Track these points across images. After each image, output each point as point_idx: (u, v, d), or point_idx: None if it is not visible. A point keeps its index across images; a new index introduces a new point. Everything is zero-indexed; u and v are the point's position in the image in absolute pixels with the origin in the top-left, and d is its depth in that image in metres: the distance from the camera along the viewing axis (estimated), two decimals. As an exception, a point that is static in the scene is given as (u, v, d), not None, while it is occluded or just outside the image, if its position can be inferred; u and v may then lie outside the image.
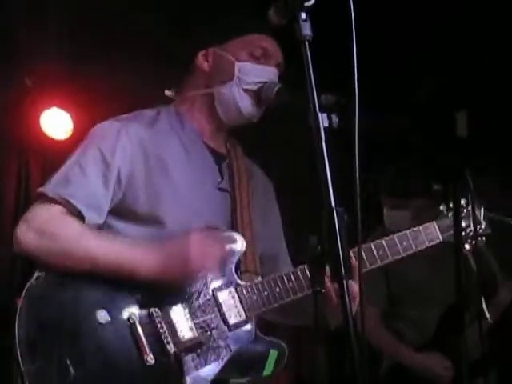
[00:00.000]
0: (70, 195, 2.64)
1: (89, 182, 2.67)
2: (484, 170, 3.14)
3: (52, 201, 2.64)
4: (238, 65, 2.84)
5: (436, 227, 2.95)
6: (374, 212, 4.48)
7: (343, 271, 1.91)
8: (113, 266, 2.57)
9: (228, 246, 2.71)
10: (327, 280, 2.23)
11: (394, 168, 4.56)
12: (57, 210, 2.64)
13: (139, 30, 4.86)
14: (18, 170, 5.26)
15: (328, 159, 1.97)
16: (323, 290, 2.09)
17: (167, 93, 2.99)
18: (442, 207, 3.03)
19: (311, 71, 2.03)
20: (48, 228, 2.62)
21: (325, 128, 2.01)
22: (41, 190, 2.67)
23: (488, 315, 4.14)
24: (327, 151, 1.98)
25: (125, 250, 2.61)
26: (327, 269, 1.99)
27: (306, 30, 2.06)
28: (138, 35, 4.87)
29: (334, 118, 2.10)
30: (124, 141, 2.73)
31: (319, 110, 2.03)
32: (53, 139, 5.31)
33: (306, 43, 2.06)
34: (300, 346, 3.10)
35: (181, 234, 2.62)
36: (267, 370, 2.71)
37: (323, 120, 2.02)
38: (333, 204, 1.95)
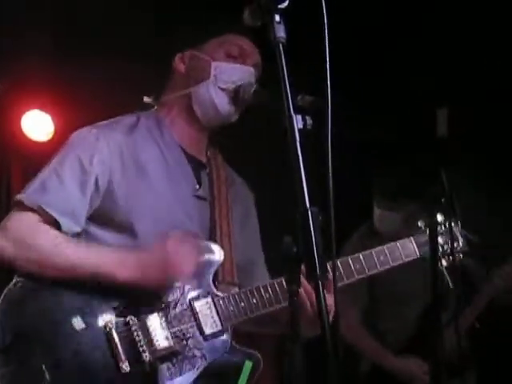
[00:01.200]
0: (47, 203, 2.64)
1: (66, 189, 2.68)
2: (459, 169, 3.15)
3: (29, 209, 2.65)
4: (214, 64, 2.85)
5: (413, 243, 2.98)
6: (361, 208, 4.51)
7: (318, 271, 1.92)
8: (90, 272, 2.58)
9: (206, 256, 2.72)
10: (301, 290, 2.26)
11: (390, 170, 4.58)
12: (33, 218, 2.65)
13: (120, 33, 4.85)
14: (-2, 172, 5.24)
15: (302, 160, 1.98)
16: (300, 289, 2.08)
17: (146, 99, 2.99)
18: (419, 223, 3.04)
19: (285, 73, 2.04)
20: (25, 237, 2.63)
21: (299, 129, 2.02)
22: (18, 197, 2.68)
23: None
24: (302, 152, 1.98)
25: (102, 256, 2.62)
26: (302, 268, 1.99)
27: (280, 32, 2.07)
28: (119, 38, 4.86)
29: (309, 120, 2.11)
30: (102, 148, 2.73)
31: (294, 111, 2.03)
32: (34, 141, 5.29)
33: (280, 45, 2.06)
34: (283, 346, 3.09)
35: (159, 240, 2.62)
36: (241, 381, 2.71)
37: (297, 121, 2.03)
38: (307, 204, 1.96)
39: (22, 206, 2.66)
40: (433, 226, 2.98)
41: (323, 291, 1.92)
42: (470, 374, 4.52)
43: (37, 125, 5.29)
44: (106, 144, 2.74)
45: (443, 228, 3.07)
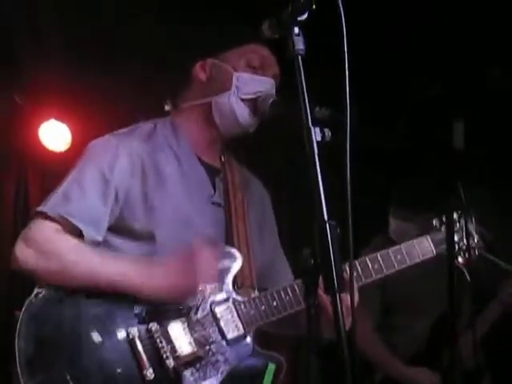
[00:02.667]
0: (69, 214, 2.65)
1: (88, 199, 2.68)
2: (476, 182, 3.15)
3: (51, 219, 2.65)
4: (236, 75, 2.85)
5: (429, 241, 2.98)
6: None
7: (336, 285, 1.92)
8: (113, 282, 2.58)
9: (225, 262, 2.72)
10: (321, 292, 2.25)
11: (407, 180, 4.58)
12: (55, 228, 2.65)
13: (137, 42, 4.87)
14: (16, 182, 5.26)
15: (321, 172, 1.98)
16: (317, 303, 2.08)
17: (167, 108, 2.99)
18: (434, 221, 3.05)
19: (304, 85, 2.05)
20: (46, 246, 2.63)
21: (317, 142, 2.02)
22: (40, 208, 2.68)
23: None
24: (320, 164, 1.99)
25: (126, 267, 2.61)
26: (320, 282, 1.98)
27: (299, 44, 2.08)
28: (136, 47, 4.88)
29: (327, 132, 2.10)
30: (122, 157, 2.74)
31: (312, 123, 2.04)
32: (51, 151, 5.31)
33: (299, 58, 2.07)
34: (297, 359, 3.09)
35: (181, 250, 2.63)
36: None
37: (316, 134, 2.03)
38: (325, 217, 1.96)
39: (44, 216, 2.66)
40: (450, 222, 2.98)
41: (341, 305, 1.92)
42: (484, 382, 4.51)
43: (54, 135, 5.32)
44: (125, 153, 2.75)
45: (458, 225, 3.07)
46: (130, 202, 2.72)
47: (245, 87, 2.84)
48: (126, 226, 2.72)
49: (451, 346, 3.27)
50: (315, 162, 1.99)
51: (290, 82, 2.10)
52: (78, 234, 2.65)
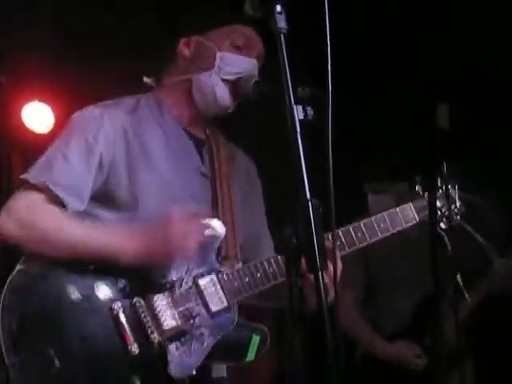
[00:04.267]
0: (52, 182, 2.64)
1: (71, 168, 2.68)
2: (460, 163, 3.15)
3: (34, 187, 2.65)
4: (219, 54, 2.85)
5: (412, 208, 2.98)
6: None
7: (318, 263, 1.92)
8: (94, 250, 2.58)
9: (208, 233, 2.71)
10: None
11: (378, 154, 4.59)
12: (38, 197, 2.65)
13: (121, 23, 4.85)
14: (-1, 163, 5.25)
15: (303, 151, 1.98)
16: (299, 282, 2.08)
17: (146, 80, 2.99)
18: (417, 188, 3.05)
19: (286, 63, 2.04)
20: (28, 216, 2.62)
21: (300, 120, 2.02)
22: (23, 176, 2.68)
23: (466, 294, 4.18)
24: (302, 143, 1.98)
25: (107, 235, 2.62)
26: (303, 260, 1.98)
27: (281, 22, 2.06)
28: (119, 28, 4.86)
29: (309, 111, 2.10)
30: (106, 126, 2.74)
31: (295, 102, 2.03)
32: (34, 133, 5.30)
33: (281, 36, 2.06)
34: (280, 337, 3.09)
35: (162, 218, 2.61)
36: (250, 356, 2.73)
37: (298, 112, 2.02)
38: (308, 195, 1.96)
39: (28, 185, 2.66)
40: (431, 188, 2.99)
41: (324, 283, 1.92)
42: (467, 363, 4.54)
43: (37, 116, 5.30)
44: (110, 122, 2.74)
45: (440, 191, 3.07)
46: (114, 171, 2.71)
47: (227, 67, 2.84)
48: (109, 195, 2.71)
49: (434, 326, 3.28)
50: (297, 140, 1.98)
51: (273, 60, 2.09)
52: (60, 202, 2.64)
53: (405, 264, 4.46)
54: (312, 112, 2.12)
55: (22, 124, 5.27)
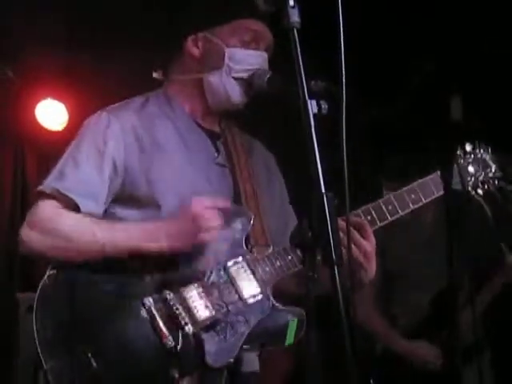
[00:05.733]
0: (65, 188, 2.68)
1: (83, 172, 2.71)
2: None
3: (49, 197, 2.70)
4: (228, 51, 2.84)
5: (431, 183, 2.91)
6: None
7: (334, 257, 1.92)
8: (119, 248, 2.61)
9: (236, 220, 2.72)
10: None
11: (395, 153, 4.57)
12: (55, 205, 2.69)
13: (133, 21, 4.85)
14: (13, 161, 5.26)
15: (318, 145, 1.98)
16: (316, 276, 2.08)
17: (155, 75, 3.00)
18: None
19: (300, 58, 2.03)
20: (49, 225, 2.67)
21: (314, 114, 2.01)
22: (39, 188, 2.73)
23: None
24: (317, 137, 1.98)
25: (129, 231, 2.65)
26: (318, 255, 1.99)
27: (295, 16, 2.06)
28: (132, 26, 4.86)
29: (324, 105, 2.11)
30: (116, 128, 2.76)
31: (308, 96, 2.03)
32: (48, 130, 5.32)
33: (295, 30, 2.05)
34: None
35: (183, 206, 2.64)
36: (289, 339, 2.70)
37: (312, 106, 2.03)
38: (323, 189, 1.96)
39: (43, 196, 2.71)
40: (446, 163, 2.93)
41: (340, 276, 1.92)
42: (485, 357, 4.52)
43: (51, 114, 5.32)
44: (118, 124, 2.77)
45: (472, 157, 3.00)
46: (129, 173, 2.73)
47: (237, 64, 2.83)
48: (129, 195, 2.74)
49: (451, 320, 3.26)
50: (312, 135, 1.98)
51: (286, 55, 2.09)
52: (76, 207, 2.67)
53: (421, 258, 4.45)
54: (326, 106, 2.12)
55: (36, 121, 5.29)
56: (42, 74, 5.14)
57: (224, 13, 2.89)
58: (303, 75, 2.03)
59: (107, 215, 2.74)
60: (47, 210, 2.70)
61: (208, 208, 2.61)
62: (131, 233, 2.63)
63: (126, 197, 2.74)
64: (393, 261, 4.45)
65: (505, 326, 4.77)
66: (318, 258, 2.00)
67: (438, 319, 4.31)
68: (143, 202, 2.72)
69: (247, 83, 2.83)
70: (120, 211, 2.75)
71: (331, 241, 1.93)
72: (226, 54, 2.83)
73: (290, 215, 3.04)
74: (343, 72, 2.05)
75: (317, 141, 1.98)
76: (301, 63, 2.04)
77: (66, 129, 5.29)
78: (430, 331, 4.37)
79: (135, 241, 2.61)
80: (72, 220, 2.67)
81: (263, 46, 2.89)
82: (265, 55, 2.88)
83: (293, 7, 2.07)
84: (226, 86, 2.84)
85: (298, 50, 2.04)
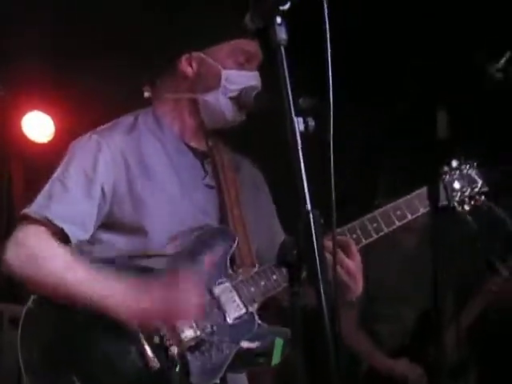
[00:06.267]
0: (54, 216, 2.65)
1: (71, 198, 2.68)
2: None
3: (36, 222, 2.65)
4: (224, 73, 2.83)
5: (418, 198, 2.91)
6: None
7: (319, 276, 1.92)
8: (94, 303, 2.54)
9: (221, 243, 2.73)
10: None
11: (385, 173, 4.58)
12: (42, 232, 2.64)
13: (121, 34, 4.85)
14: (-1, 173, 5.25)
15: (304, 163, 1.98)
16: (301, 291, 2.08)
17: (146, 95, 2.98)
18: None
19: (287, 75, 2.03)
20: (36, 257, 2.62)
21: (301, 132, 2.01)
22: (25, 211, 2.68)
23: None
24: (303, 154, 1.98)
25: (106, 288, 2.56)
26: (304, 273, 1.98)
27: (282, 34, 2.06)
28: (119, 39, 4.86)
29: (310, 122, 2.10)
30: (104, 153, 2.73)
31: (295, 113, 2.03)
32: (34, 142, 5.30)
33: (282, 48, 2.05)
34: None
35: (170, 236, 2.65)
36: (275, 359, 2.71)
37: (299, 124, 2.02)
38: (309, 207, 1.96)
39: (30, 220, 2.66)
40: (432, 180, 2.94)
41: (325, 295, 1.92)
42: (470, 374, 4.52)
43: (37, 126, 5.30)
44: (107, 149, 2.74)
45: (458, 172, 3.00)
46: (117, 197, 2.72)
47: (232, 85, 2.84)
48: (117, 221, 2.72)
49: (436, 340, 3.26)
50: (298, 152, 1.98)
51: (273, 72, 2.09)
52: (63, 234, 2.64)
53: (403, 276, 4.46)
54: (313, 123, 2.12)
55: (23, 134, 5.28)
56: (28, 86, 5.13)
57: (219, 33, 2.87)
58: (290, 92, 2.03)
59: (94, 240, 2.72)
60: (35, 235, 2.65)
61: (193, 285, 2.58)
62: (108, 300, 2.55)
63: (113, 222, 2.72)
64: (375, 280, 4.46)
65: (491, 344, 4.78)
66: (304, 274, 2.01)
67: (422, 337, 4.31)
68: (130, 228, 2.71)
69: (238, 99, 2.83)
70: (106, 236, 2.73)
71: (316, 258, 1.93)
72: (223, 76, 2.83)
73: (278, 231, 3.05)
74: (330, 89, 2.05)
75: (303, 158, 1.98)
76: (287, 80, 2.04)
77: (52, 141, 5.28)
78: (415, 349, 4.38)
79: (110, 310, 2.53)
80: (58, 261, 2.62)
81: (255, 66, 2.90)
82: (257, 74, 2.88)
83: (280, 25, 2.07)
84: (222, 105, 2.83)
85: (285, 67, 2.04)
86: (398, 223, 2.84)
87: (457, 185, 2.99)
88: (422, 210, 2.89)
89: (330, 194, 2.00)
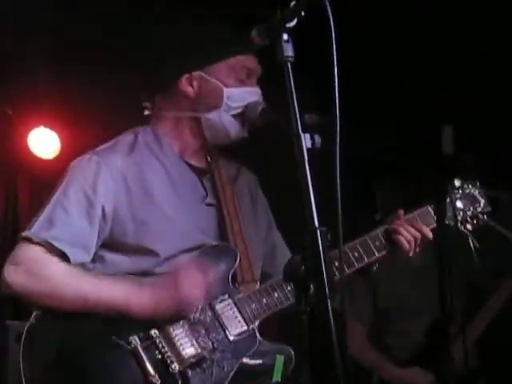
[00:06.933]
0: (54, 238, 2.65)
1: (72, 221, 2.68)
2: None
3: (36, 244, 2.65)
4: (226, 91, 2.84)
5: (431, 211, 2.94)
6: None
7: (327, 292, 1.92)
8: (104, 305, 2.59)
9: (223, 259, 2.74)
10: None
11: (388, 182, 4.57)
12: (43, 251, 2.65)
13: (124, 49, 4.86)
14: (5, 189, 5.24)
15: (311, 179, 1.98)
16: (308, 309, 2.07)
17: (146, 112, 2.97)
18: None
19: (293, 92, 2.04)
20: (36, 269, 2.63)
21: (308, 148, 2.02)
22: (25, 234, 2.68)
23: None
24: (310, 171, 1.98)
25: (115, 289, 2.62)
26: (311, 290, 1.98)
27: (288, 51, 2.07)
28: (123, 53, 4.87)
29: (317, 138, 2.11)
30: (105, 175, 2.73)
31: (302, 130, 2.03)
32: (40, 158, 5.30)
33: (288, 64, 2.06)
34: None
35: (170, 271, 2.65)
36: (276, 376, 2.72)
37: (306, 140, 2.03)
38: (316, 224, 1.96)
39: (30, 242, 2.66)
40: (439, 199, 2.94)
41: (332, 312, 1.92)
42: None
43: (43, 142, 5.30)
44: (108, 171, 2.74)
45: (461, 192, 3.01)
46: (118, 219, 2.72)
47: (235, 103, 2.84)
48: (118, 242, 2.72)
49: (444, 351, 3.25)
50: (305, 169, 1.98)
51: (279, 88, 2.10)
52: (64, 257, 2.65)
53: (412, 291, 4.45)
54: (320, 140, 2.12)
55: (28, 150, 5.27)
56: (34, 102, 5.13)
57: (218, 51, 2.87)
58: (296, 109, 2.04)
59: (96, 258, 2.72)
60: (35, 254, 2.65)
61: (194, 276, 2.61)
62: (117, 292, 2.61)
63: (114, 243, 2.72)
64: (384, 294, 4.45)
65: (500, 356, 4.77)
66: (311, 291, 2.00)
67: (432, 349, 4.30)
68: (131, 248, 2.71)
69: (242, 117, 2.83)
70: (109, 255, 2.73)
71: (324, 274, 1.93)
72: (225, 94, 2.83)
73: (278, 243, 3.06)
74: (337, 105, 2.05)
75: (310, 174, 1.98)
76: (294, 97, 2.04)
77: (58, 157, 5.27)
78: (426, 360, 4.36)
79: (119, 301, 2.59)
80: (60, 268, 2.64)
81: (255, 79, 2.90)
82: (258, 90, 2.89)
83: (286, 41, 2.08)
84: (225, 123, 2.84)
85: (292, 83, 2.05)
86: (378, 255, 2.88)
87: (459, 204, 3.01)
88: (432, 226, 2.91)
89: (336, 206, 2.00)
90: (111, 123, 2.96)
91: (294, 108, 2.04)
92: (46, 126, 5.28)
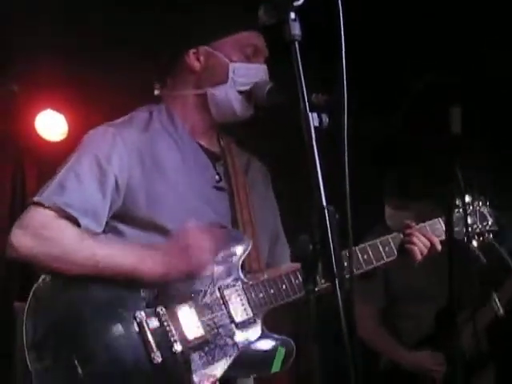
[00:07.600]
0: (66, 204, 2.62)
1: (85, 189, 2.66)
2: (477, 166, 3.13)
3: (47, 208, 2.62)
4: (232, 66, 2.84)
5: (442, 223, 2.97)
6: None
7: (335, 271, 1.91)
8: (114, 267, 2.59)
9: (233, 244, 2.75)
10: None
11: (396, 170, 4.57)
12: (53, 215, 2.62)
13: (133, 31, 4.86)
14: (13, 171, 5.25)
15: (319, 158, 1.97)
16: (316, 289, 2.07)
17: (157, 93, 2.97)
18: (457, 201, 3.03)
19: (301, 71, 2.03)
20: (45, 232, 2.60)
21: (315, 127, 2.01)
22: (36, 198, 2.65)
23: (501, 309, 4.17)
24: (318, 150, 1.98)
25: (126, 252, 2.62)
26: (319, 268, 1.98)
27: (296, 29, 2.06)
28: (131, 36, 4.86)
29: (324, 118, 2.10)
30: (120, 147, 2.72)
31: (309, 109, 2.02)
32: (48, 141, 5.31)
33: (296, 43, 2.05)
34: (298, 346, 3.10)
35: (179, 231, 2.64)
36: (275, 367, 2.72)
37: (313, 120, 2.02)
38: (324, 203, 1.95)
39: (40, 206, 2.64)
40: (450, 208, 2.97)
41: (340, 290, 1.91)
42: (488, 371, 4.51)
43: (50, 125, 5.31)
44: (123, 143, 2.73)
45: (471, 208, 3.05)
46: (131, 192, 2.71)
47: (241, 78, 2.84)
48: (130, 215, 2.72)
49: (453, 336, 3.26)
50: (313, 148, 1.97)
51: (286, 68, 2.09)
52: (76, 221, 2.63)
53: (423, 275, 4.44)
54: (327, 119, 2.11)
55: (36, 133, 5.28)
56: (41, 85, 5.13)
57: (224, 26, 2.88)
58: (304, 88, 2.03)
59: (108, 229, 2.72)
60: (44, 217, 2.62)
61: (205, 237, 2.61)
62: (127, 255, 2.61)
63: (127, 215, 2.72)
64: (395, 279, 4.45)
65: (510, 341, 4.76)
66: (319, 271, 2.00)
67: (442, 332, 4.30)
68: (143, 222, 2.71)
69: (249, 94, 2.83)
70: (121, 226, 2.73)
71: (332, 253, 1.93)
72: (231, 69, 2.83)
73: (279, 229, 3.08)
74: (344, 84, 2.04)
75: (318, 154, 1.97)
76: (302, 76, 2.03)
77: (65, 140, 5.28)
78: (436, 345, 4.36)
79: (130, 263, 2.59)
80: (71, 232, 2.62)
81: (262, 59, 2.91)
82: (265, 67, 2.89)
83: (294, 20, 2.07)
84: (231, 99, 2.84)
85: (299, 63, 2.04)
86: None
87: (469, 219, 3.05)
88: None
89: (344, 190, 2.00)
90: (118, 106, 2.95)
91: (302, 87, 2.03)
92: (53, 108, 5.28)
